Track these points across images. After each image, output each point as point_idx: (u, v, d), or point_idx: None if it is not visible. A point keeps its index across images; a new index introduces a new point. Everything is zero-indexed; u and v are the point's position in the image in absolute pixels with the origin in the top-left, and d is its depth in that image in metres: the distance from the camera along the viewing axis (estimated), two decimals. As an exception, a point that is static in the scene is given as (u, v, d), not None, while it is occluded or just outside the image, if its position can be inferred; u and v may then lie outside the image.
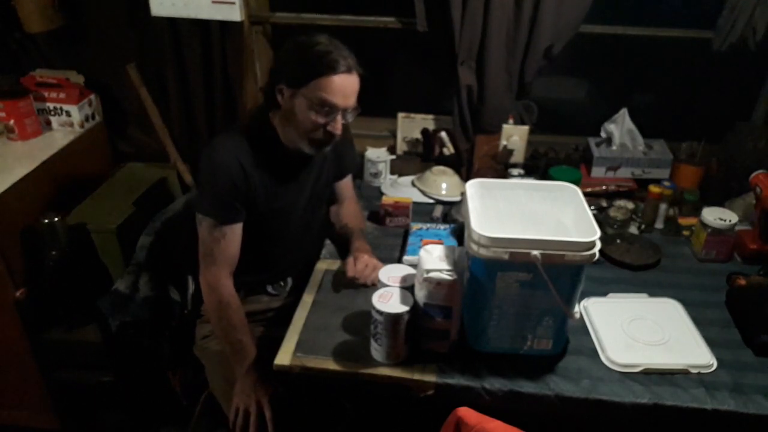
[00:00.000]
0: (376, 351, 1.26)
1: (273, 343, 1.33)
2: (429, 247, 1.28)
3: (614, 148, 1.98)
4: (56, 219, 1.78)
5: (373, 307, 1.21)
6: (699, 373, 1.25)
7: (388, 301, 1.21)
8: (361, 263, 1.46)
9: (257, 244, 1.49)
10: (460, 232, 1.67)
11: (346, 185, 1.71)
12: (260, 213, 1.44)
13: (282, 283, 1.64)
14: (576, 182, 1.62)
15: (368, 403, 1.43)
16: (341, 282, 1.50)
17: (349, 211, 1.69)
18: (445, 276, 1.18)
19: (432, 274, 1.18)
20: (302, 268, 1.59)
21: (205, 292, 1.45)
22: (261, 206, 1.44)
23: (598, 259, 1.16)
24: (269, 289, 1.63)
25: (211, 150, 1.39)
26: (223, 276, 1.43)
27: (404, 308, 1.19)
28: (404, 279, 1.28)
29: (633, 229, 1.75)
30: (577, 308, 1.26)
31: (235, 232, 1.41)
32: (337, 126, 1.36)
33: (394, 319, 1.19)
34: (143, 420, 2.06)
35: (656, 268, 1.60)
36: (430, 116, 2.07)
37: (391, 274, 1.30)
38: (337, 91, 1.31)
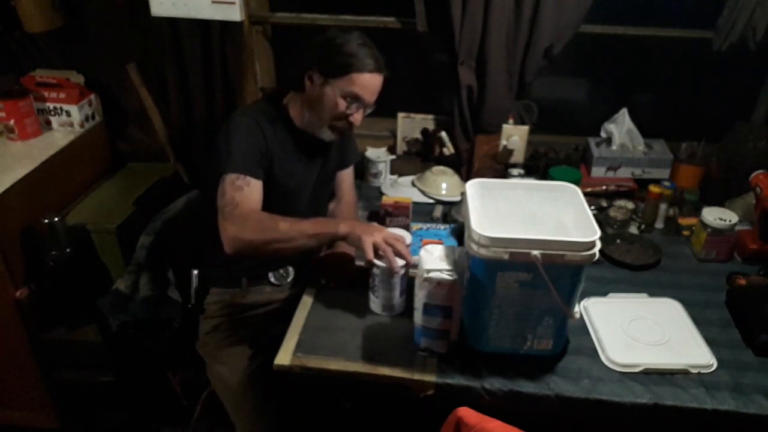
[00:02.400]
0: (374, 303, 1.40)
1: (274, 341, 1.33)
2: (429, 247, 1.28)
3: (614, 148, 1.97)
4: (56, 219, 1.78)
5: (372, 262, 1.31)
6: (699, 373, 1.25)
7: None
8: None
9: None
10: (460, 232, 1.67)
11: (346, 177, 1.73)
12: (271, 187, 1.45)
13: (283, 273, 1.64)
14: (576, 182, 1.62)
15: (368, 403, 1.43)
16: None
17: (343, 212, 1.69)
18: (446, 276, 1.18)
19: (432, 274, 1.18)
20: (304, 260, 1.59)
21: (236, 234, 1.30)
22: (274, 178, 1.46)
23: (598, 259, 1.17)
24: (271, 278, 1.63)
25: (232, 119, 1.44)
26: (251, 208, 1.35)
27: (399, 263, 1.30)
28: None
29: (633, 229, 1.75)
30: (577, 308, 1.26)
31: (258, 185, 1.39)
32: (358, 118, 1.46)
33: (389, 272, 1.31)
34: (143, 420, 2.06)
35: (656, 268, 1.60)
36: (430, 116, 2.07)
37: None
38: (368, 87, 1.41)
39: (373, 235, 1.29)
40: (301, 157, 1.54)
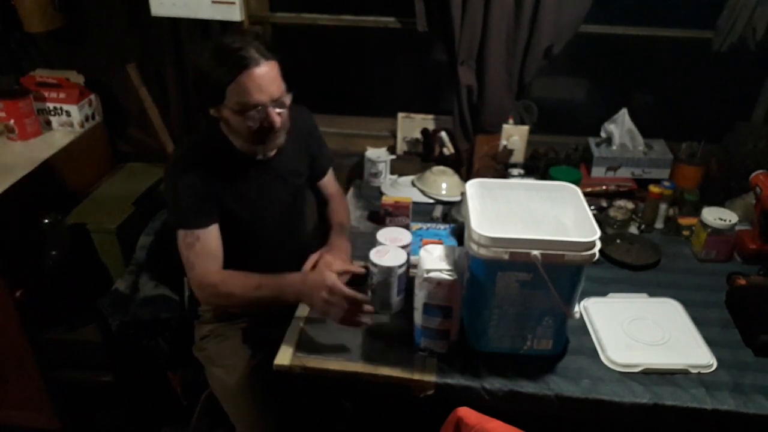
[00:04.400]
0: (372, 301, 1.35)
1: (273, 344, 1.33)
2: (429, 247, 1.29)
3: (614, 148, 1.98)
4: (56, 219, 1.78)
5: (370, 261, 1.33)
6: (699, 373, 1.25)
7: (384, 256, 1.33)
8: (312, 264, 1.44)
9: (240, 253, 1.43)
10: (460, 232, 1.67)
11: (327, 183, 1.69)
12: (230, 222, 1.41)
13: None
14: (576, 182, 1.62)
15: (368, 403, 1.43)
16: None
17: (332, 208, 1.67)
18: (446, 276, 1.18)
19: (432, 274, 1.18)
20: (295, 269, 1.56)
21: (199, 297, 1.42)
22: (230, 213, 1.40)
23: (598, 259, 1.17)
24: None
25: (168, 167, 1.38)
26: (202, 270, 1.36)
27: (397, 263, 1.32)
28: (400, 239, 1.42)
29: (633, 229, 1.75)
30: (577, 308, 1.26)
31: (209, 233, 1.36)
32: (273, 119, 1.30)
33: (387, 271, 1.31)
34: (143, 420, 2.06)
35: (656, 268, 1.60)
36: (430, 116, 2.07)
37: (388, 235, 1.44)
38: (251, 88, 1.25)
39: (321, 295, 1.24)
40: (257, 181, 1.44)
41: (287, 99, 1.33)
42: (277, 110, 1.31)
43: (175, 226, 1.37)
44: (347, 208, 1.71)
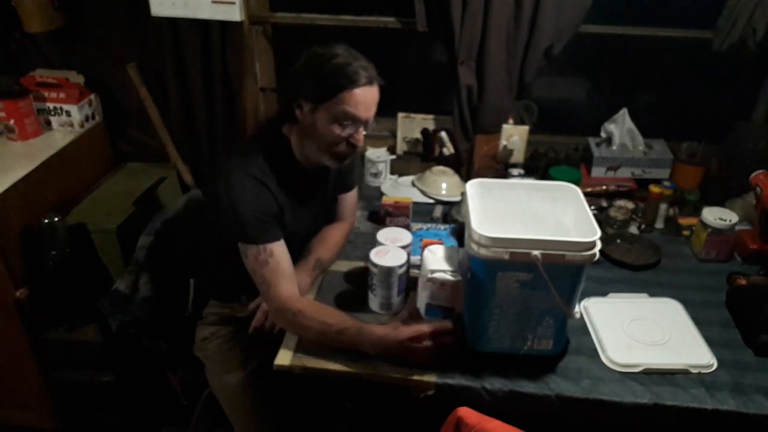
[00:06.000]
0: (372, 302, 1.39)
1: (273, 344, 1.33)
2: (433, 247, 1.29)
3: (614, 148, 1.98)
4: (56, 219, 1.78)
5: (370, 261, 1.34)
6: (699, 373, 1.25)
7: (384, 256, 1.34)
8: (261, 311, 1.44)
9: None
10: (460, 232, 1.67)
11: (346, 203, 1.64)
12: (283, 233, 1.39)
13: None
14: (576, 182, 1.62)
15: (368, 403, 1.43)
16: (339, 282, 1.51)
17: (329, 233, 1.58)
18: (449, 277, 1.18)
19: (437, 275, 1.18)
20: None
21: (275, 320, 1.39)
22: (286, 226, 1.40)
23: (598, 259, 1.16)
24: None
25: (233, 179, 1.32)
26: (284, 293, 1.32)
27: (397, 263, 1.32)
28: (400, 239, 1.42)
29: (633, 229, 1.75)
30: (577, 308, 1.26)
31: (281, 247, 1.34)
32: (360, 138, 1.34)
33: (387, 271, 1.32)
34: (143, 420, 2.06)
35: (656, 268, 1.60)
36: (430, 116, 2.07)
37: (388, 235, 1.45)
38: (360, 103, 1.29)
39: (422, 345, 1.22)
40: (305, 194, 1.46)
41: (374, 123, 1.37)
42: (364, 132, 1.36)
43: (243, 240, 1.32)
44: (342, 243, 1.60)
